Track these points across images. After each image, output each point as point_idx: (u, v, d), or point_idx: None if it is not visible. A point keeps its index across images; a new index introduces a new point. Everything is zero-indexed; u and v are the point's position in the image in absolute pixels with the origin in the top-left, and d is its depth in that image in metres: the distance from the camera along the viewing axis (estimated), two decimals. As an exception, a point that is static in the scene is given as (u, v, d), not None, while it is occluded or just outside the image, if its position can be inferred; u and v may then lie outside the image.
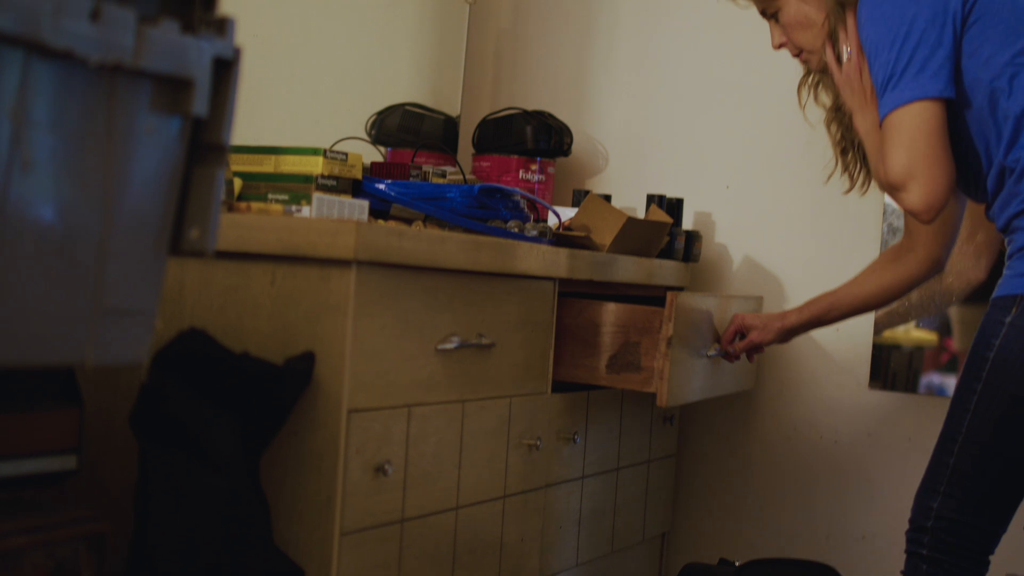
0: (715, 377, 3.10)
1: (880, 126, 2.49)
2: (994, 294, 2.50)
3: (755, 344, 3.04)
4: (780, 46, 2.73)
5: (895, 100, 2.43)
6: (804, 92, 2.82)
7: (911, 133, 2.41)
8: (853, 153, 2.75)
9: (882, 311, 3.46)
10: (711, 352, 3.00)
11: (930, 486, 2.53)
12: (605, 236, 2.99)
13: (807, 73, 2.80)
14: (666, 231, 3.25)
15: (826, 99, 2.79)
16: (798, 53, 2.71)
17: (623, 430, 3.18)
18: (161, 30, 1.40)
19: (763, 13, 2.74)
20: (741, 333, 3.06)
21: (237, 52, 1.51)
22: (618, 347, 2.80)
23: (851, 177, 2.77)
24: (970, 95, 2.46)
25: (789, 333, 3.03)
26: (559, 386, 2.84)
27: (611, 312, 2.81)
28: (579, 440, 2.91)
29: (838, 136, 2.76)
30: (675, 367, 2.76)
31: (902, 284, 2.92)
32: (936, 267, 2.87)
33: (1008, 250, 2.51)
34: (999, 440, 2.46)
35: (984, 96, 2.46)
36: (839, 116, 2.74)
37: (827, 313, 2.98)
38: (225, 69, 1.51)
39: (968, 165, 2.52)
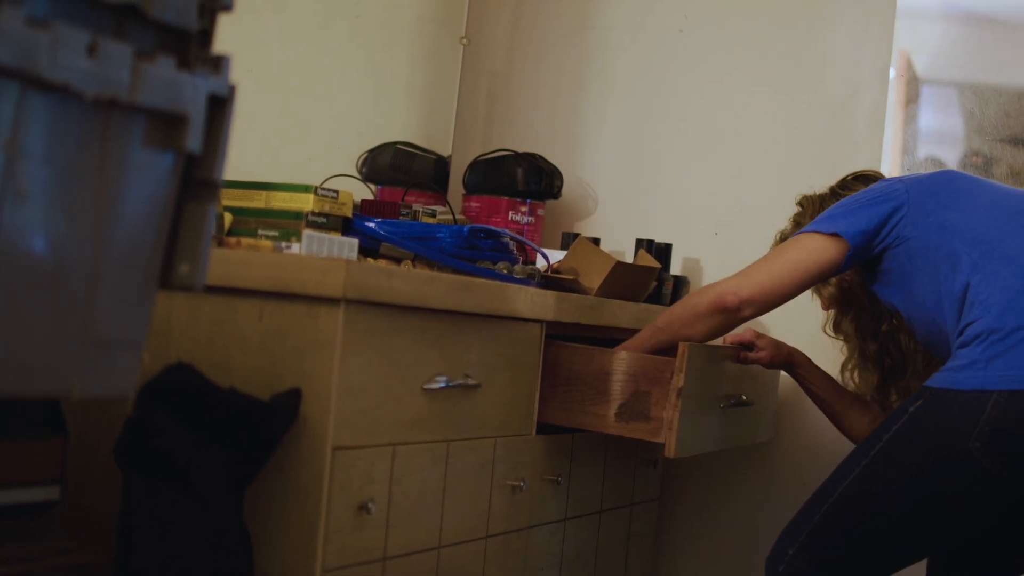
0: (730, 428, 3.10)
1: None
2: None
3: (762, 363, 3.12)
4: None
5: (808, 227, 2.77)
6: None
7: (789, 259, 2.74)
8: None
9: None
10: (725, 403, 3.02)
11: (792, 533, 2.69)
12: (594, 280, 3.00)
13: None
14: (654, 276, 3.26)
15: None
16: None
17: (607, 473, 3.18)
18: (157, 66, 1.41)
19: None
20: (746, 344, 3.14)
21: (232, 89, 1.53)
22: (628, 396, 2.79)
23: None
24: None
25: (788, 369, 3.18)
26: (543, 427, 2.84)
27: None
28: (562, 482, 2.92)
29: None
30: (685, 418, 2.75)
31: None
32: None
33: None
34: (865, 514, 2.62)
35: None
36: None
37: (819, 391, 3.20)
38: (220, 106, 1.52)
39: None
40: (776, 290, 2.73)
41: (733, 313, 2.74)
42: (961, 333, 2.59)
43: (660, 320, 2.85)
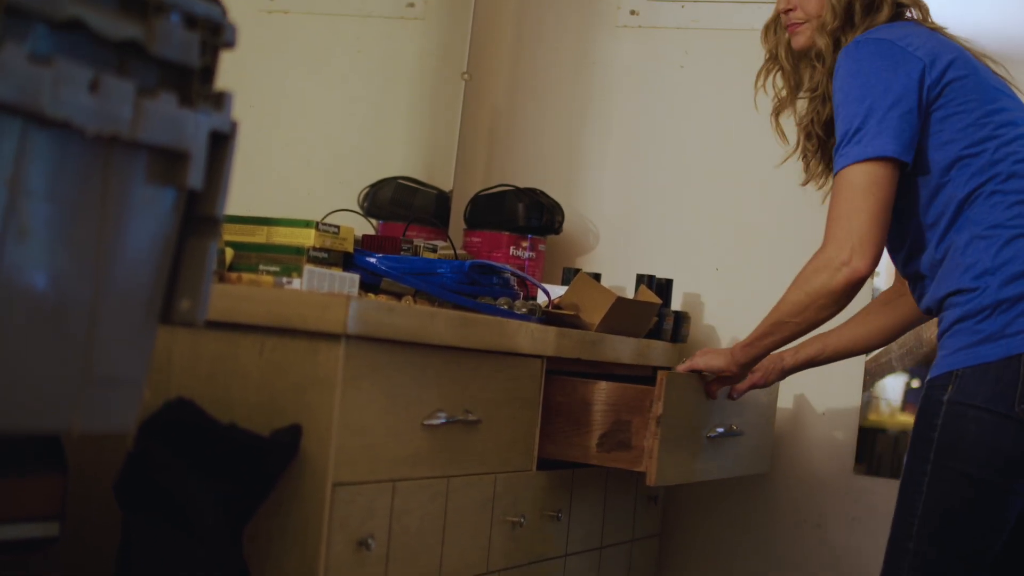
0: (719, 459, 3.07)
1: (833, 178, 2.60)
2: (929, 375, 2.55)
3: (757, 385, 2.99)
4: (788, 11, 2.78)
5: (852, 155, 2.52)
6: (764, 77, 2.94)
7: (862, 195, 2.51)
8: (817, 140, 2.79)
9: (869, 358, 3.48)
10: (711, 433, 2.97)
11: (893, 571, 2.53)
12: (594, 315, 3.00)
13: (773, 62, 2.90)
14: (655, 312, 3.26)
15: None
16: (801, 23, 2.76)
17: (607, 508, 3.17)
18: (159, 103, 1.41)
19: None
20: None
21: (234, 126, 1.53)
22: (609, 426, 2.80)
23: (807, 166, 2.84)
24: (920, 175, 2.55)
25: (787, 373, 3.01)
26: (544, 463, 2.84)
27: (603, 391, 2.81)
28: (563, 518, 2.91)
29: (807, 120, 2.81)
30: (666, 446, 2.74)
31: (895, 327, 2.97)
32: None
33: (939, 330, 2.57)
34: (958, 520, 2.48)
35: (933, 179, 2.54)
36: (814, 99, 2.78)
37: (819, 354, 2.97)
38: (221, 142, 1.52)
39: (903, 241, 2.62)
40: (882, 238, 2.55)
41: (862, 282, 2.57)
42: (957, 293, 2.52)
43: (782, 313, 2.67)
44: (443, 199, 3.67)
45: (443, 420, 2.41)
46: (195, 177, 1.48)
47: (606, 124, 3.84)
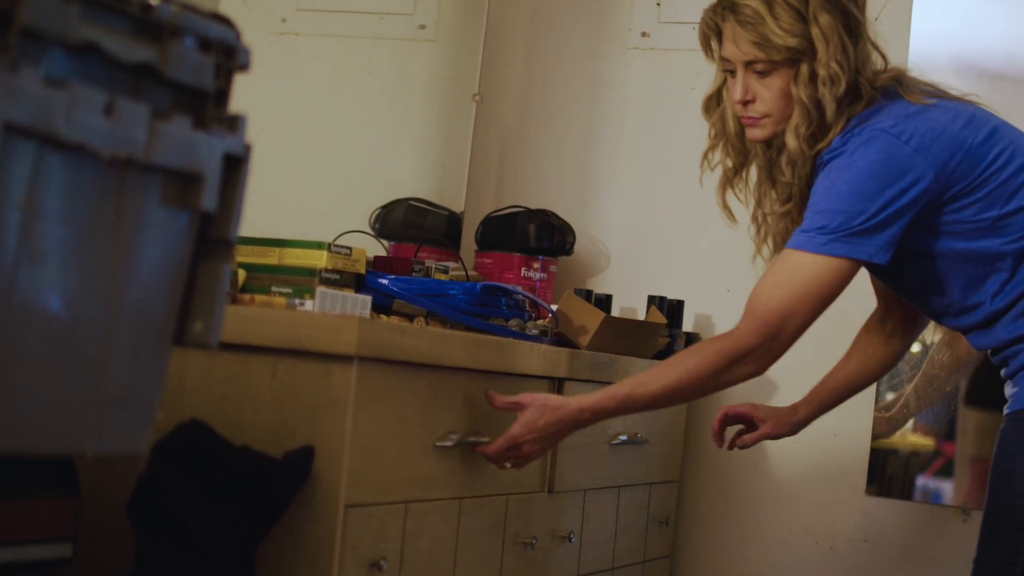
0: (624, 467, 3.01)
1: (783, 255, 2.44)
2: (1009, 409, 2.46)
3: (768, 437, 2.88)
4: (746, 103, 2.47)
5: (827, 247, 2.36)
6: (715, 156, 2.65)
7: (815, 296, 2.39)
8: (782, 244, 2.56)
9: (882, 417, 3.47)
10: (615, 440, 2.86)
11: None
12: (584, 334, 2.99)
13: (721, 139, 2.61)
14: (660, 332, 3.26)
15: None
16: (760, 117, 2.47)
17: (619, 530, 3.17)
18: (173, 126, 1.42)
19: (748, 63, 2.45)
20: (741, 421, 2.92)
21: (247, 149, 1.53)
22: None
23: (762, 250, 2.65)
24: (952, 249, 2.45)
25: (800, 427, 2.90)
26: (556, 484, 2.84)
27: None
28: (575, 539, 2.91)
29: (777, 235, 2.58)
30: (565, 453, 2.71)
31: (895, 356, 2.88)
32: (907, 345, 2.88)
33: (1012, 366, 2.48)
34: None
35: (970, 247, 2.45)
36: (784, 215, 2.55)
37: (831, 398, 2.89)
38: (235, 165, 1.52)
39: (945, 303, 2.52)
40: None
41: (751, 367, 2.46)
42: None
43: (653, 384, 2.47)
44: (454, 220, 3.68)
45: (455, 442, 2.41)
46: (209, 200, 1.48)
47: (617, 145, 3.85)
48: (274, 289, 2.49)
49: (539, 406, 2.46)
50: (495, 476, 2.57)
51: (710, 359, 2.43)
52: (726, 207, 2.66)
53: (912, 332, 2.86)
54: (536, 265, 3.56)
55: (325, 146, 3.59)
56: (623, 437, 3.07)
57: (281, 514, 2.12)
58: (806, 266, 2.39)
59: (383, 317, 2.56)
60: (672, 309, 3.50)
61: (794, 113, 2.43)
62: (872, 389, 3.50)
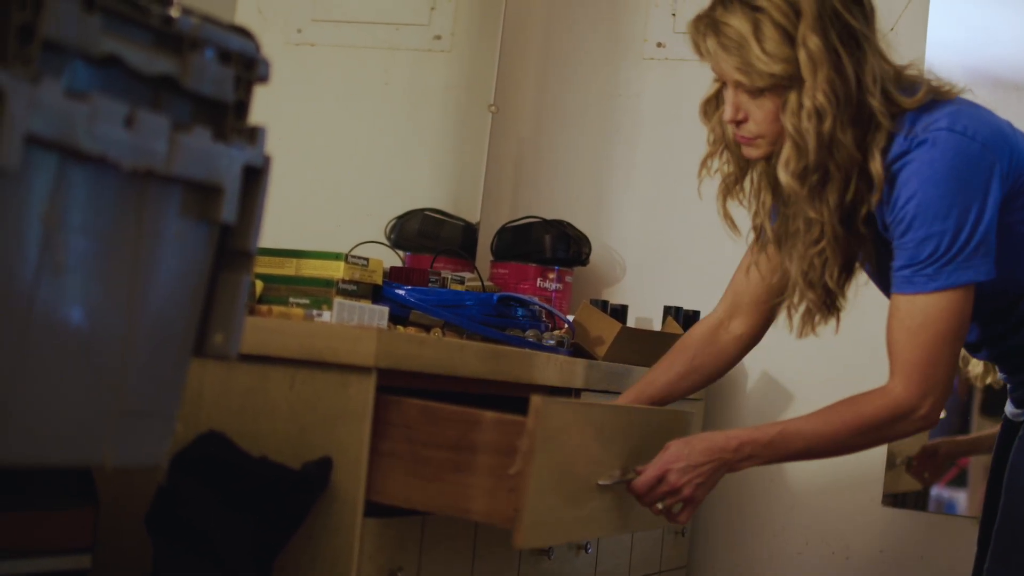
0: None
1: (901, 300, 2.23)
2: None
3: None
4: (737, 122, 2.30)
5: (943, 279, 2.19)
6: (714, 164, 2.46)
7: (951, 335, 2.22)
8: (823, 291, 2.35)
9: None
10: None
11: None
12: (601, 344, 2.98)
13: (720, 145, 2.42)
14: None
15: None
16: (753, 137, 2.29)
17: (635, 540, 3.16)
18: (193, 137, 1.42)
19: (739, 84, 2.27)
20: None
21: (267, 160, 1.54)
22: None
23: (807, 318, 2.40)
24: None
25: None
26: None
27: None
28: (591, 550, 2.90)
29: (807, 271, 2.33)
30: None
31: (719, 370, 2.65)
32: (753, 344, 2.63)
33: None
34: None
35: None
36: (816, 243, 2.30)
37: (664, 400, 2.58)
38: (254, 176, 1.53)
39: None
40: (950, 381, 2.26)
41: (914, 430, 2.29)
42: None
43: (824, 439, 2.31)
44: (470, 231, 3.68)
45: (472, 452, 2.41)
46: (229, 211, 1.49)
47: (632, 156, 3.85)
48: (291, 300, 2.49)
49: (683, 440, 2.31)
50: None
51: (869, 417, 2.27)
52: (727, 216, 2.50)
53: (745, 348, 2.65)
54: (552, 275, 3.56)
55: (341, 157, 3.59)
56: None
57: (299, 525, 2.12)
58: (933, 306, 2.22)
59: (400, 328, 2.56)
60: (688, 319, 3.50)
61: (785, 144, 2.23)
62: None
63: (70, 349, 1.36)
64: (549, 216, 3.67)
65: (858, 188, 2.24)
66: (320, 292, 2.48)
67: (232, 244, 1.54)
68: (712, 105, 2.40)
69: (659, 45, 3.84)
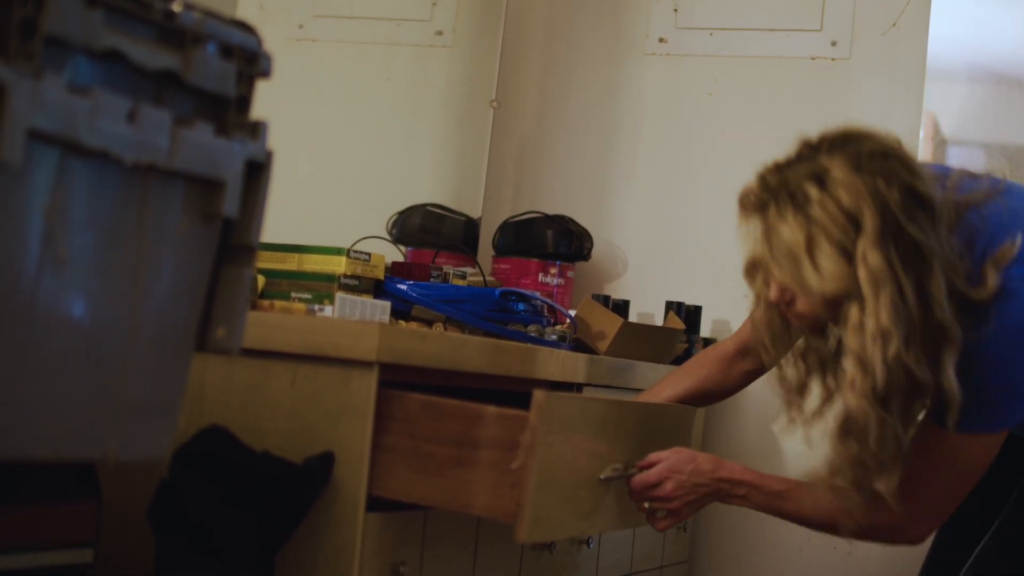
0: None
1: (939, 430, 2.12)
2: None
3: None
4: (780, 303, 2.16)
5: (988, 423, 2.14)
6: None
7: (971, 475, 2.18)
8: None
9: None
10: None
11: None
12: (603, 339, 2.99)
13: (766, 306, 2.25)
14: (678, 338, 3.25)
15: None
16: (800, 317, 2.15)
17: (636, 535, 3.16)
18: (195, 132, 1.42)
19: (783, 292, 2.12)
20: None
21: (269, 155, 1.54)
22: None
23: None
24: None
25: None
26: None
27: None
28: (593, 544, 2.90)
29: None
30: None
31: (725, 395, 2.65)
32: (761, 374, 2.54)
33: None
34: None
35: None
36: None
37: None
38: (257, 171, 1.53)
39: None
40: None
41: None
42: None
43: (808, 514, 2.30)
44: (471, 226, 3.68)
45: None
46: (231, 206, 1.49)
47: (634, 151, 3.85)
48: (293, 295, 2.49)
49: (692, 454, 2.29)
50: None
51: (867, 524, 2.22)
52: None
53: (754, 379, 2.62)
54: (553, 271, 3.56)
55: (342, 152, 3.59)
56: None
57: (301, 520, 2.12)
58: (977, 446, 2.15)
59: (402, 323, 2.56)
60: (690, 315, 3.50)
61: (846, 360, 2.06)
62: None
63: (72, 344, 1.36)
64: (551, 211, 3.67)
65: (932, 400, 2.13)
66: (322, 287, 2.48)
67: (234, 239, 1.54)
68: (757, 268, 2.19)
69: (661, 40, 3.84)
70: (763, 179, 2.12)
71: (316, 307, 2.42)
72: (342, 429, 2.15)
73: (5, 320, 1.26)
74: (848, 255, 2.01)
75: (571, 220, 3.64)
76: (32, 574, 1.82)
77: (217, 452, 2.05)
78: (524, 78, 3.94)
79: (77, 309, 1.35)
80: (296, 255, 2.53)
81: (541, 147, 3.93)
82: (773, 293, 2.13)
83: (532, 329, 2.76)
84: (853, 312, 2.02)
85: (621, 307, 3.45)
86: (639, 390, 3.04)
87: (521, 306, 2.80)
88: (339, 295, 2.43)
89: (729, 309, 3.69)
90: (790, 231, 2.04)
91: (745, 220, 2.14)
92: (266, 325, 2.19)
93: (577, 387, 2.78)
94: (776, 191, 2.08)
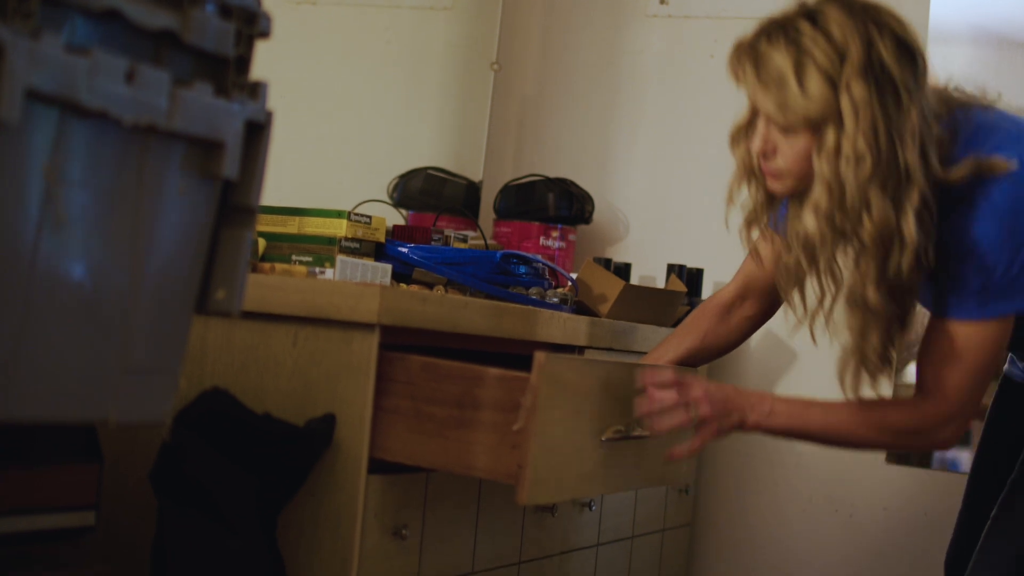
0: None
1: (945, 324, 2.21)
2: None
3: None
4: (763, 153, 2.23)
5: (998, 308, 2.18)
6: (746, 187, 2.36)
7: (990, 362, 2.21)
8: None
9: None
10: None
11: None
12: (604, 303, 2.98)
13: (748, 175, 2.33)
14: (680, 300, 3.25)
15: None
16: (778, 173, 2.22)
17: (639, 498, 3.17)
18: (195, 93, 1.41)
19: (772, 119, 2.20)
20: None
21: (269, 116, 1.53)
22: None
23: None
24: None
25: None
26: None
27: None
28: (595, 507, 2.91)
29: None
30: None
31: (729, 347, 2.65)
32: (765, 322, 2.62)
33: None
34: None
35: None
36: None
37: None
38: (256, 132, 1.52)
39: None
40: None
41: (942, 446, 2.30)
42: None
43: (844, 435, 2.29)
44: (473, 189, 3.68)
45: (475, 410, 2.41)
46: (230, 167, 1.48)
47: (636, 114, 3.84)
48: (294, 258, 2.49)
49: (719, 385, 2.32)
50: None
51: (892, 421, 2.27)
52: (751, 247, 2.47)
53: (755, 327, 2.64)
54: (555, 234, 3.56)
55: (343, 115, 3.59)
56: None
57: (302, 481, 2.12)
58: (976, 335, 2.20)
59: (403, 286, 2.56)
60: (692, 277, 3.50)
61: (815, 186, 2.16)
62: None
63: (73, 305, 1.36)
64: (552, 174, 3.66)
65: (903, 266, 2.17)
66: (323, 250, 2.47)
67: (234, 200, 1.53)
68: (742, 132, 2.31)
69: (662, 2, 3.83)
70: (757, 26, 2.22)
71: (317, 270, 2.42)
72: (343, 391, 2.15)
73: (5, 281, 1.26)
74: (833, 83, 2.11)
75: (572, 183, 3.63)
76: (34, 537, 1.82)
77: (219, 414, 2.05)
78: (525, 40, 3.93)
79: (77, 270, 1.35)
80: (297, 218, 2.53)
81: (542, 110, 3.93)
82: (756, 144, 2.21)
83: (534, 292, 2.75)
84: (830, 136, 2.12)
85: (623, 270, 3.44)
86: (641, 353, 3.04)
87: (522, 269, 2.80)
88: (340, 258, 2.43)
89: (731, 272, 3.67)
90: (780, 56, 2.14)
91: (739, 72, 2.23)
92: (267, 287, 2.19)
93: (579, 350, 2.78)
94: (768, 28, 2.18)
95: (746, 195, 2.35)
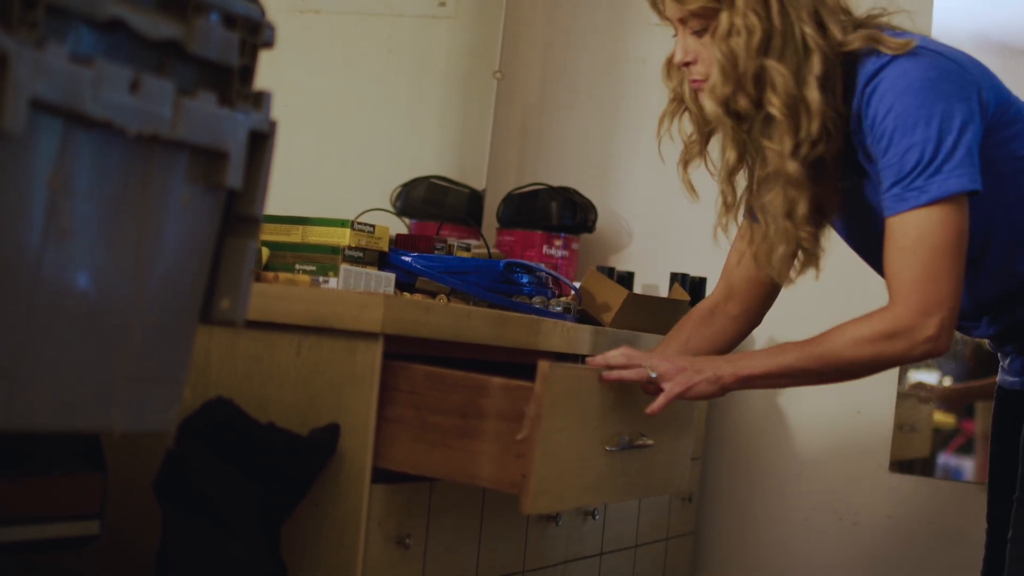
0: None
1: (895, 222, 2.16)
2: None
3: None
4: (687, 64, 2.28)
5: (933, 190, 2.11)
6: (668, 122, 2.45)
7: (950, 249, 2.13)
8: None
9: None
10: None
11: None
12: (608, 311, 2.99)
13: (679, 103, 2.41)
14: (683, 309, 3.25)
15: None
16: (703, 79, 2.27)
17: (642, 507, 3.17)
18: (199, 102, 1.41)
19: (682, 21, 2.26)
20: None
21: (272, 125, 1.53)
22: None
23: (793, 263, 2.35)
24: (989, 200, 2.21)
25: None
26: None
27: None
28: (598, 516, 2.91)
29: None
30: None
31: (716, 350, 2.55)
32: (752, 326, 2.59)
33: None
34: None
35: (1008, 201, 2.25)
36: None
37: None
38: (260, 142, 1.52)
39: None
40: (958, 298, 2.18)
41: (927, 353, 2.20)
42: None
43: (821, 362, 2.22)
44: (476, 198, 3.68)
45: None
46: (234, 176, 1.48)
47: (639, 122, 3.84)
48: (298, 267, 2.49)
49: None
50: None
51: (867, 333, 2.18)
52: (687, 182, 2.51)
53: (743, 328, 2.60)
54: (558, 242, 3.56)
55: (346, 124, 3.59)
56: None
57: (306, 491, 2.12)
58: (926, 221, 2.13)
59: (406, 295, 2.56)
60: (695, 286, 3.50)
61: (713, 72, 2.22)
62: (896, 369, 3.50)
63: (77, 315, 1.36)
64: (555, 183, 3.67)
65: (812, 132, 2.19)
66: (326, 259, 2.47)
67: (238, 209, 1.53)
68: (672, 65, 2.36)
69: (665, 11, 3.82)
70: None
71: (320, 279, 2.42)
72: (347, 400, 2.15)
73: (10, 291, 1.26)
74: None
75: (575, 192, 3.63)
76: (38, 546, 1.82)
77: (223, 424, 2.05)
78: (528, 49, 3.93)
79: (81, 280, 1.35)
80: (300, 227, 2.53)
81: (545, 118, 3.93)
82: (678, 54, 2.28)
83: (537, 301, 2.75)
84: (724, 19, 2.18)
85: (626, 279, 3.44)
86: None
87: (526, 278, 2.80)
88: (343, 267, 2.43)
89: (734, 280, 3.69)
90: None
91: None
92: (271, 296, 2.19)
93: (582, 359, 2.77)
94: None
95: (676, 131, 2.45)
